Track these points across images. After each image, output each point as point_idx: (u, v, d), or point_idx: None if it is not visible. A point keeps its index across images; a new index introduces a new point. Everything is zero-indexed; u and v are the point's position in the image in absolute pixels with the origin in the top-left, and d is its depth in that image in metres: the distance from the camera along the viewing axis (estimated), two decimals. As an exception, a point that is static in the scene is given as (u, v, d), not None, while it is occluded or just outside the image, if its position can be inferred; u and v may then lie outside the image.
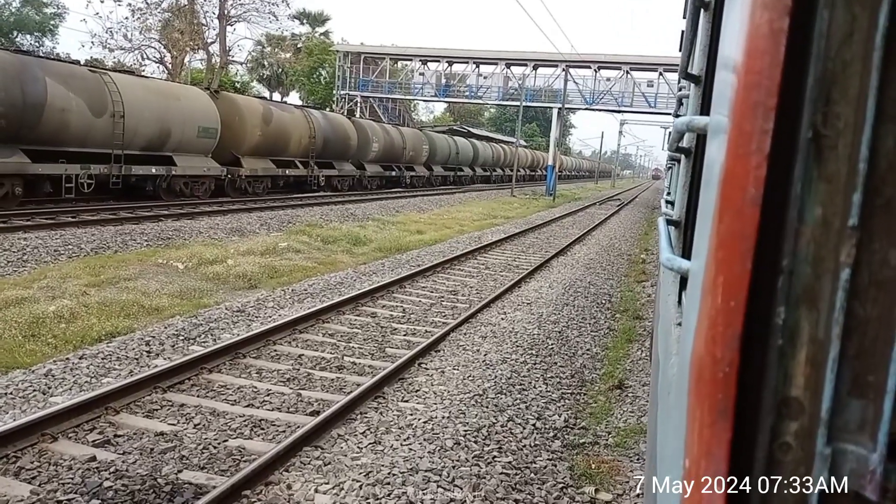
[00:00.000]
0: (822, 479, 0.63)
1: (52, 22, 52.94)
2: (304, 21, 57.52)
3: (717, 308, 0.66)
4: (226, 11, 44.14)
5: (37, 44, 51.12)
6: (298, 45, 53.75)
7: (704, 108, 1.90)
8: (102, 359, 6.31)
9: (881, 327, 0.62)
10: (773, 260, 0.64)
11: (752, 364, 0.65)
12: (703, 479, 0.66)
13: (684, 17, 3.24)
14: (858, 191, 0.61)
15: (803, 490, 0.63)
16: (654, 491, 1.28)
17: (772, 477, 0.64)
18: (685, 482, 0.69)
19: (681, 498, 0.71)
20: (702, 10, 2.09)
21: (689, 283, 0.90)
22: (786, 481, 0.64)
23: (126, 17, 45.09)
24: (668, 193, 4.33)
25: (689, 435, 0.69)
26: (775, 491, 0.64)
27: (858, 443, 0.62)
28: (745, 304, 0.64)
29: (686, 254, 1.73)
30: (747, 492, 0.65)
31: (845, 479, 0.62)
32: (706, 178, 0.82)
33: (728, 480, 0.65)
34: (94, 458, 4.47)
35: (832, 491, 0.63)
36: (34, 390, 5.52)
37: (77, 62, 18.20)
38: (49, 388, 5.60)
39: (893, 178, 0.61)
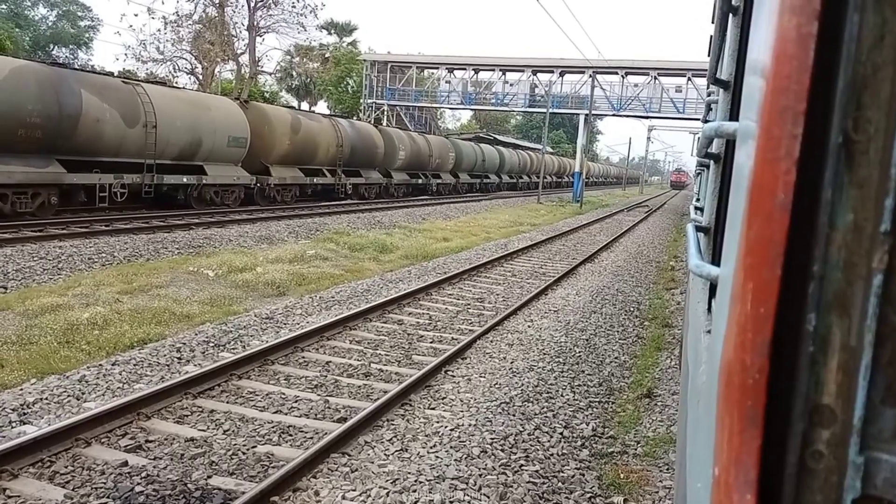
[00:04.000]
0: (855, 487, 0.62)
1: (86, 35, 54.30)
2: (332, 31, 58.17)
3: (746, 314, 0.65)
4: (255, 23, 44.81)
5: (72, 56, 52.47)
6: (326, 55, 54.31)
7: (733, 114, 1.88)
8: (134, 365, 6.42)
9: None
10: (803, 266, 0.63)
11: (783, 371, 0.64)
12: (732, 487, 0.65)
13: (712, 22, 3.21)
14: (891, 196, 0.60)
15: (836, 499, 0.62)
16: (684, 499, 1.26)
17: (803, 485, 0.63)
18: (715, 490, 0.69)
19: None
20: (730, 15, 2.07)
21: (719, 289, 0.89)
22: (817, 490, 0.63)
23: (158, 30, 45.98)
24: (697, 199, 4.28)
25: (719, 442, 0.68)
26: (807, 499, 0.63)
27: (892, 451, 0.61)
28: (774, 310, 0.63)
29: (715, 260, 1.71)
30: (778, 500, 0.64)
31: (879, 488, 0.61)
32: (735, 183, 0.81)
33: (758, 488, 0.64)
34: (125, 463, 4.54)
35: (865, 500, 0.62)
36: (69, 396, 5.63)
37: (111, 74, 18.61)
38: (83, 393, 5.71)
39: None
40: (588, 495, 4.69)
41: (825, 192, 0.62)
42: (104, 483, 4.31)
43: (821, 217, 0.63)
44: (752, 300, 0.65)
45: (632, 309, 11.01)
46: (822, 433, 0.63)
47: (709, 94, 3.88)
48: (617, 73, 43.13)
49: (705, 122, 3.24)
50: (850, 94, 0.61)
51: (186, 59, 45.81)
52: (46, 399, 5.53)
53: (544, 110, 41.52)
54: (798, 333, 0.64)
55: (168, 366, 6.51)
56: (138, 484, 4.30)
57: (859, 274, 0.62)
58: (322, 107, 55.37)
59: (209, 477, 4.48)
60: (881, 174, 0.60)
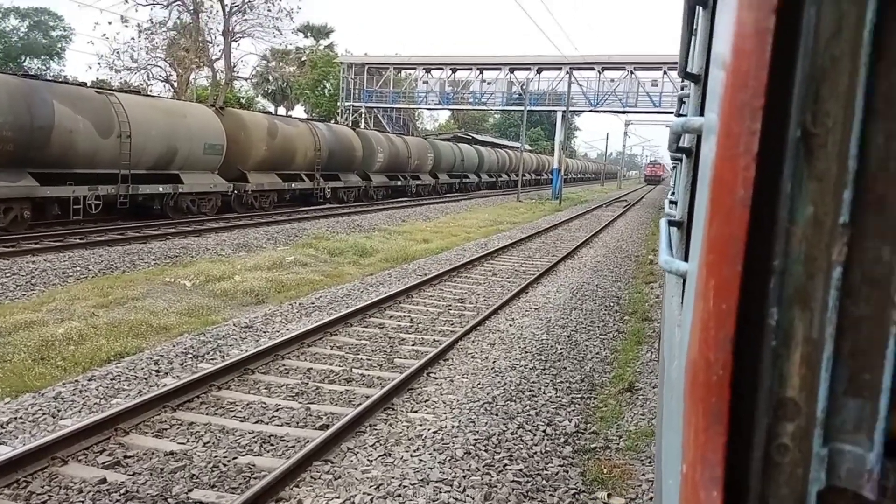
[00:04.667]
0: (820, 479, 0.62)
1: (59, 45, 53.61)
2: (308, 34, 57.97)
3: (709, 311, 0.66)
4: (230, 28, 44.51)
5: (44, 67, 51.74)
6: (302, 59, 54.09)
7: (703, 108, 1.88)
8: (111, 380, 6.32)
9: (875, 326, 0.61)
10: (764, 261, 0.64)
11: (747, 366, 0.65)
12: (699, 484, 0.66)
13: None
14: (849, 188, 0.61)
15: (801, 491, 0.63)
16: (661, 495, 1.26)
17: (769, 479, 0.64)
18: (682, 487, 0.69)
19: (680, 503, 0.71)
20: (700, 8, 2.07)
21: (687, 285, 0.90)
22: (783, 483, 0.64)
23: (132, 38, 45.47)
24: (673, 193, 4.30)
25: (686, 440, 0.69)
26: (773, 493, 0.64)
27: (855, 442, 0.62)
28: (737, 306, 0.64)
29: (687, 256, 1.70)
30: (745, 494, 0.65)
31: (843, 479, 0.62)
32: (700, 179, 0.83)
33: (724, 484, 0.65)
34: (104, 481, 4.46)
35: (830, 492, 0.63)
36: (44, 413, 5.52)
37: (84, 84, 18.36)
38: (59, 410, 5.60)
39: (884, 175, 0.61)
40: (572, 492, 4.68)
41: (785, 186, 0.63)
42: (82, 501, 4.22)
43: (781, 211, 0.63)
44: (714, 296, 0.65)
45: (612, 304, 11.05)
46: (787, 426, 0.64)
47: (682, 88, 3.89)
48: (593, 69, 43.34)
49: (678, 116, 3.24)
50: (808, 88, 0.61)
51: (161, 67, 45.41)
52: (21, 418, 5.42)
53: (522, 108, 41.63)
54: (761, 328, 0.64)
55: (146, 379, 6.41)
56: (117, 501, 4.23)
57: (819, 267, 0.62)
58: (299, 111, 55.17)
59: (190, 490, 4.41)
60: (839, 167, 0.61)
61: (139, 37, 42.92)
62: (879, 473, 0.61)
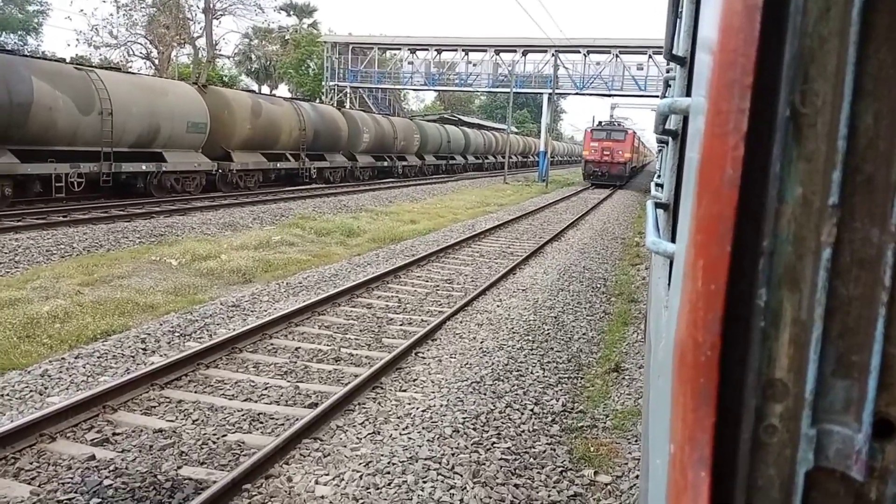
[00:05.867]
0: (808, 460, 0.62)
1: (35, 20, 52.44)
2: (291, 13, 57.11)
3: (697, 291, 0.65)
4: (211, 5, 43.79)
5: (21, 42, 50.62)
6: (286, 38, 53.37)
7: (689, 90, 1.89)
8: (98, 357, 6.30)
9: (863, 306, 0.61)
10: (753, 241, 0.63)
11: (735, 347, 0.64)
12: (687, 465, 0.65)
13: None
14: (838, 169, 0.60)
15: (789, 472, 0.63)
16: (648, 475, 1.29)
17: (757, 460, 0.64)
18: (670, 468, 0.69)
19: (667, 484, 0.71)
20: None
21: (674, 266, 0.89)
22: (771, 464, 0.64)
23: (111, 14, 44.60)
24: (659, 176, 4.33)
25: (674, 420, 0.68)
26: (761, 473, 0.64)
27: (843, 423, 0.62)
28: (725, 286, 0.63)
29: (674, 237, 1.73)
30: (733, 475, 0.65)
31: (831, 459, 0.62)
32: (688, 159, 0.81)
33: (712, 465, 0.64)
34: (93, 457, 4.48)
35: (818, 472, 0.63)
36: (31, 391, 5.51)
37: (63, 60, 18.03)
38: (46, 388, 5.59)
39: (873, 155, 0.60)
40: (559, 469, 4.77)
41: (774, 166, 0.62)
42: (71, 478, 4.24)
43: (770, 191, 0.63)
44: (702, 277, 0.64)
45: (598, 285, 11.15)
46: (775, 407, 0.63)
47: (668, 71, 3.91)
48: (579, 52, 43.18)
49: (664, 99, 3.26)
50: (797, 67, 0.61)
51: (141, 44, 44.64)
52: (8, 395, 5.41)
53: (508, 90, 41.48)
54: (749, 309, 0.64)
55: (133, 357, 6.40)
56: (107, 477, 4.25)
57: (809, 248, 0.62)
58: (283, 90, 54.51)
59: (179, 467, 4.44)
60: (829, 147, 0.61)
61: (118, 13, 42.13)
62: (867, 454, 0.60)
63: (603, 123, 40.83)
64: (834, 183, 0.61)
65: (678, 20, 2.31)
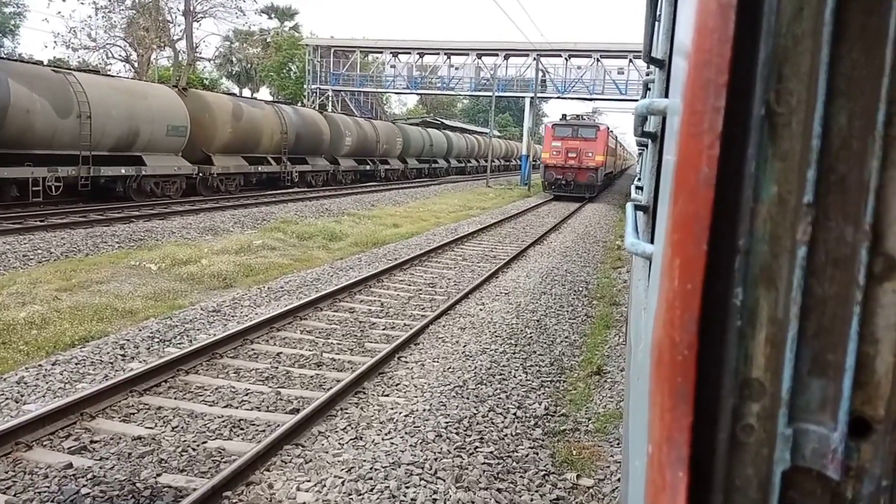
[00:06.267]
0: (784, 459, 0.62)
1: (12, 22, 51.76)
2: (272, 15, 56.90)
3: (674, 291, 0.65)
4: (191, 7, 43.48)
5: (-3, 45, 49.96)
6: (267, 40, 53.12)
7: (668, 92, 1.90)
8: (76, 364, 6.21)
9: (839, 305, 0.61)
10: (729, 240, 0.63)
11: (712, 346, 0.64)
12: (665, 465, 0.65)
13: None
14: (813, 168, 0.61)
15: (766, 471, 0.63)
16: (628, 477, 1.28)
17: (735, 459, 0.64)
18: (648, 468, 0.68)
19: (645, 484, 0.70)
20: None
21: (652, 267, 0.89)
22: (749, 463, 0.64)
23: (89, 16, 44.13)
24: (639, 179, 4.36)
25: (651, 420, 0.68)
26: (738, 473, 0.64)
27: (819, 422, 0.62)
28: (702, 285, 0.63)
29: (653, 239, 1.74)
30: (711, 475, 0.64)
31: (808, 459, 0.62)
32: (665, 159, 0.81)
33: (690, 464, 0.64)
34: (70, 465, 4.40)
35: (795, 472, 0.62)
36: (6, 398, 5.42)
37: (40, 62, 17.80)
38: (22, 395, 5.50)
39: (847, 154, 0.61)
40: (542, 473, 4.77)
41: (749, 165, 0.62)
42: (48, 486, 4.17)
43: (745, 190, 0.63)
44: (679, 276, 0.64)
45: (580, 288, 11.19)
46: (752, 406, 0.63)
47: (647, 74, 3.93)
48: (561, 56, 43.46)
49: (644, 101, 3.27)
50: (771, 67, 0.61)
51: (120, 47, 44.20)
52: (-18, 403, 5.31)
53: (490, 94, 41.59)
54: (726, 308, 0.64)
55: (111, 363, 6.32)
56: (84, 486, 4.18)
57: (784, 246, 0.62)
58: (264, 93, 54.22)
59: (158, 475, 4.38)
60: (803, 146, 0.61)
61: (96, 15, 41.67)
62: (843, 453, 0.61)
63: (568, 117, 31.09)
64: (809, 182, 0.61)
65: (656, 22, 2.32)
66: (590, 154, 28.90)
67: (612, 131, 34.24)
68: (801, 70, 0.61)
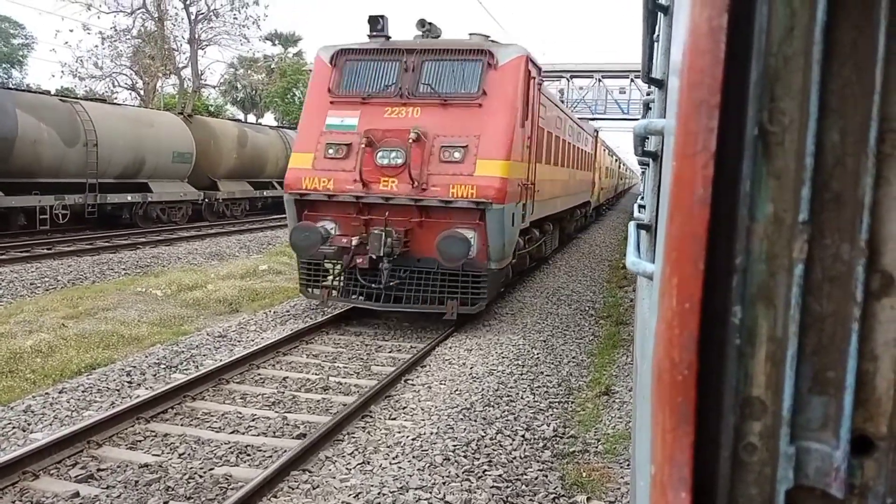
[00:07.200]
0: (788, 478, 0.62)
1: (20, 53, 52.49)
2: (276, 42, 57.49)
3: (672, 310, 0.64)
4: (196, 36, 44.02)
5: (5, 76, 50.63)
6: (271, 67, 53.67)
7: (667, 112, 1.91)
8: (83, 392, 6.20)
9: (837, 323, 0.61)
10: (726, 259, 0.63)
11: (712, 365, 0.64)
12: (667, 485, 0.65)
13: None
14: (807, 185, 0.61)
15: (770, 491, 0.62)
16: (635, 498, 1.27)
17: (737, 479, 0.63)
18: (651, 489, 0.68)
19: None
20: (661, 14, 2.12)
21: (653, 286, 0.89)
22: (752, 483, 0.63)
23: (96, 46, 44.71)
24: (642, 198, 4.37)
25: (653, 441, 0.68)
26: (741, 493, 0.63)
27: (822, 440, 0.62)
28: (700, 305, 0.63)
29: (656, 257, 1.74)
30: (713, 495, 0.64)
31: (811, 477, 0.61)
32: (664, 179, 0.82)
33: (693, 485, 0.63)
34: (77, 494, 4.38)
35: (798, 490, 0.62)
36: (13, 427, 5.41)
37: (48, 92, 18.05)
38: (29, 424, 5.49)
39: (840, 171, 0.61)
40: (552, 496, 4.71)
41: (744, 184, 0.62)
42: (54, 516, 4.15)
43: (741, 210, 0.63)
44: (677, 295, 0.64)
45: (587, 308, 11.15)
46: (754, 425, 0.63)
47: (648, 94, 3.96)
48: (563, 77, 43.76)
49: (645, 121, 3.28)
50: (763, 86, 0.61)
51: (126, 75, 44.70)
52: (-11, 433, 5.30)
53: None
54: (725, 327, 0.63)
55: (118, 391, 6.31)
56: (90, 515, 4.15)
57: (781, 265, 0.62)
58: (269, 119, 54.64)
59: (166, 502, 4.35)
60: (797, 164, 0.61)
61: (102, 44, 42.20)
62: (846, 471, 0.60)
63: None
64: (803, 199, 0.61)
65: (654, 43, 2.35)
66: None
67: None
68: (793, 89, 0.61)
